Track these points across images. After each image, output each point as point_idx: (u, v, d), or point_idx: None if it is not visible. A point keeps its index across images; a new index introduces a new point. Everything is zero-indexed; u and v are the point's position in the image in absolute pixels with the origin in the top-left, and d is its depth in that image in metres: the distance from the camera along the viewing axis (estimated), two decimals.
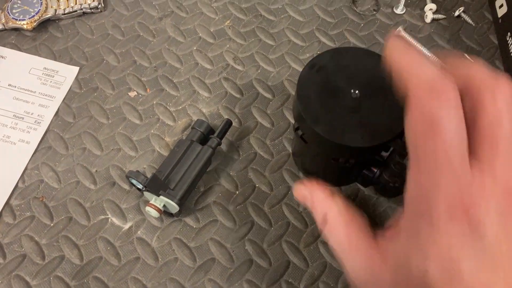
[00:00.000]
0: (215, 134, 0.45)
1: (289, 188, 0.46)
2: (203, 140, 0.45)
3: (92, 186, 0.46)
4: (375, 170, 0.41)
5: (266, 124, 0.49)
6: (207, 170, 0.46)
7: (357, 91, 0.37)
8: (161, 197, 0.41)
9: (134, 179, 0.41)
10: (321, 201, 0.30)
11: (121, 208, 0.45)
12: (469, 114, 0.23)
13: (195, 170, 0.43)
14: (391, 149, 0.38)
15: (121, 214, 0.44)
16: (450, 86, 0.22)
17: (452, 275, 0.22)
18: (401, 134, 0.37)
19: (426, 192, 0.23)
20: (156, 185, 0.41)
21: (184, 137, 0.47)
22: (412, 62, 0.24)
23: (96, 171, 0.46)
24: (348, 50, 0.40)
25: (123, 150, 0.47)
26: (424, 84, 0.23)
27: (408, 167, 0.24)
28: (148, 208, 0.42)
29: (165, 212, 0.44)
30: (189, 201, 0.45)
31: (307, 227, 0.44)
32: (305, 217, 0.44)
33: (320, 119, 0.36)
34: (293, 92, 0.51)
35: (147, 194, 0.43)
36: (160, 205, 0.42)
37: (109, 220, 0.44)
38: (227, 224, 0.44)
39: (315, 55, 0.53)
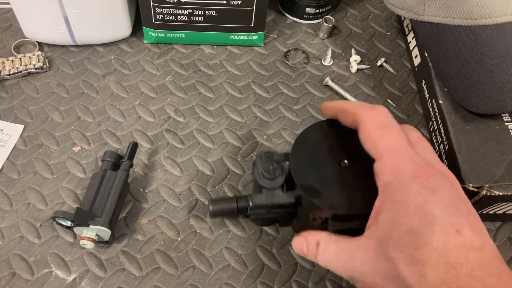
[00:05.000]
0: (125, 158, 0.49)
1: (229, 232, 0.48)
2: (116, 167, 0.49)
3: (36, 240, 0.47)
4: None
5: (207, 171, 0.52)
6: (126, 195, 0.49)
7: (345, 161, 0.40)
8: (91, 226, 0.44)
9: (61, 217, 0.43)
10: (313, 234, 0.39)
11: (65, 261, 0.46)
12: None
13: (116, 194, 0.46)
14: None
15: (65, 266, 0.45)
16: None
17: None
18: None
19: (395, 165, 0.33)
20: (83, 217, 0.44)
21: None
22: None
23: (41, 225, 0.47)
24: (332, 123, 0.42)
25: (67, 203, 0.49)
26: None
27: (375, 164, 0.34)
28: (82, 242, 0.44)
29: (99, 242, 0.46)
30: (132, 251, 0.46)
31: (246, 268, 0.46)
32: (245, 259, 0.47)
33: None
34: (232, 141, 0.54)
35: (77, 230, 0.45)
36: (92, 235, 0.44)
37: (53, 273, 0.45)
38: (170, 271, 0.46)
39: (251, 106, 0.57)
